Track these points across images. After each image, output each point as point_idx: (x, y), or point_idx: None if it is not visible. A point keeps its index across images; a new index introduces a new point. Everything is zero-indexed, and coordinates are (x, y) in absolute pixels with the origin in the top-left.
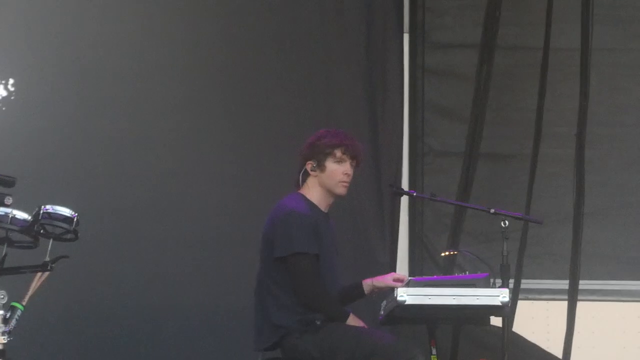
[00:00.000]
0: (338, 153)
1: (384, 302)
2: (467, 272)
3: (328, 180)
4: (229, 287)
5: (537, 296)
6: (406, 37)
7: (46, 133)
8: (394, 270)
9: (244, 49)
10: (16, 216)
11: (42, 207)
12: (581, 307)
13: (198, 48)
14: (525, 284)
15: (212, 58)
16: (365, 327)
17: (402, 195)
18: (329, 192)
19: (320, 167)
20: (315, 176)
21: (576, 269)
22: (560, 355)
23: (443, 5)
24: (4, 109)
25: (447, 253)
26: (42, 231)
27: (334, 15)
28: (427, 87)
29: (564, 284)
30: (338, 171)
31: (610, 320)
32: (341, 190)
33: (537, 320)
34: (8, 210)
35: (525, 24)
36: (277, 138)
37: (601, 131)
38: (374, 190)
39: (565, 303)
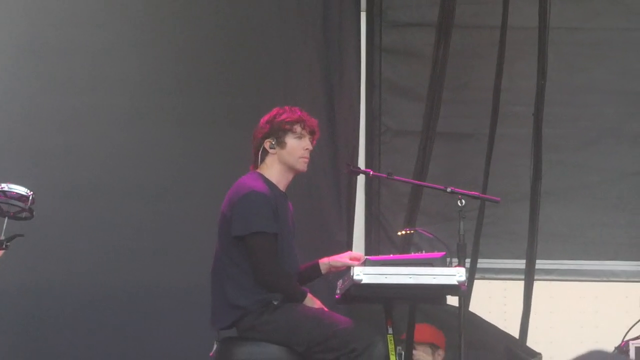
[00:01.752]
0: (298, 128)
1: (340, 281)
2: (424, 251)
3: (289, 156)
4: (185, 266)
5: (494, 276)
6: (363, 16)
7: (0, 111)
8: (351, 249)
9: (201, 27)
10: None
11: None
12: (538, 286)
13: (155, 25)
14: (482, 263)
15: (170, 36)
16: (323, 307)
17: (358, 174)
18: (289, 169)
19: (280, 143)
20: (275, 154)
21: (533, 249)
22: (517, 335)
23: None
24: None
25: (403, 232)
26: None
27: (294, 11)
28: (384, 66)
29: (521, 264)
30: (299, 147)
31: (567, 300)
32: (302, 166)
33: (494, 299)
34: None
35: (482, 3)
36: (234, 117)
37: (559, 111)
38: (331, 169)
39: (523, 283)
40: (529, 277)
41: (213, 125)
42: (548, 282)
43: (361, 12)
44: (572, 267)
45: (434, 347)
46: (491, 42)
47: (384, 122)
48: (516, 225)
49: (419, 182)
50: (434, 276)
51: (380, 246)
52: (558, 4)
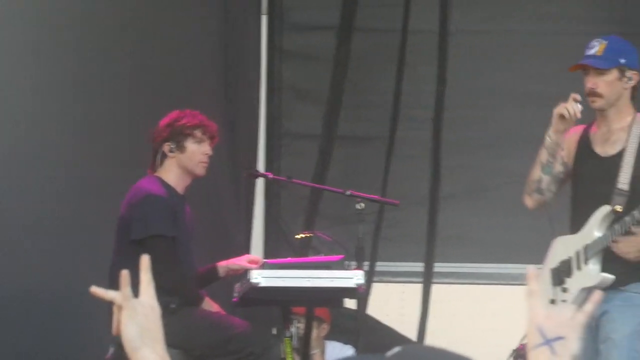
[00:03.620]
0: (198, 133)
1: (238, 285)
2: (322, 255)
3: (188, 161)
4: (83, 269)
5: (392, 279)
6: (264, 19)
7: None
8: (249, 252)
9: (99, 28)
10: None
11: None
12: (436, 290)
13: (52, 25)
14: (381, 266)
15: (66, 37)
16: (220, 310)
17: (257, 178)
18: (188, 173)
19: (180, 148)
20: (174, 157)
21: (431, 252)
22: (414, 338)
23: None
24: None
25: (302, 235)
26: None
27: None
28: (284, 69)
29: (419, 267)
30: (198, 151)
31: (464, 303)
32: (201, 170)
33: (392, 303)
34: None
35: (383, 6)
36: (132, 119)
37: (459, 114)
38: (230, 172)
39: (421, 286)
40: (426, 280)
41: (110, 127)
42: (446, 285)
43: (262, 15)
44: (470, 270)
45: (319, 320)
46: (392, 45)
47: (283, 125)
48: (415, 229)
49: (317, 185)
50: (332, 279)
51: (279, 249)
52: (459, 7)
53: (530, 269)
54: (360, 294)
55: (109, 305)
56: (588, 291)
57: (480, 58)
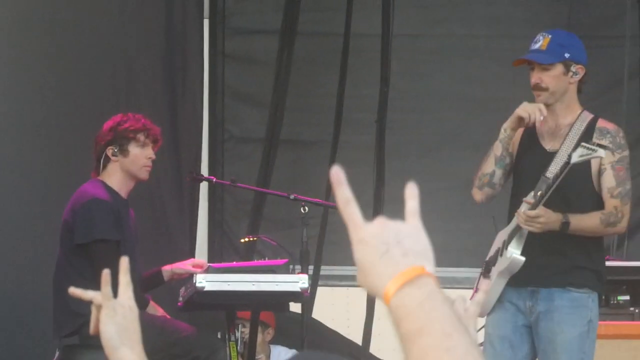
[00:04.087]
0: (141, 137)
1: (183, 289)
2: (267, 259)
3: (131, 165)
4: (27, 274)
5: (338, 282)
6: (206, 23)
7: None
8: (194, 257)
9: (42, 32)
10: None
11: None
12: None
13: None
14: (326, 270)
15: (7, 40)
16: (165, 314)
17: (201, 182)
18: (131, 177)
19: (123, 152)
20: (117, 161)
21: None
22: (360, 342)
23: None
24: None
25: (246, 239)
26: None
27: (130, 5)
28: (227, 73)
29: None
30: (141, 155)
31: None
32: (144, 174)
33: (338, 306)
34: None
35: (325, 10)
36: (76, 123)
37: (402, 117)
38: (174, 176)
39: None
40: None
41: (53, 131)
42: None
43: (204, 19)
44: None
45: (263, 325)
46: (335, 49)
47: (227, 129)
48: None
49: (261, 189)
50: (277, 283)
51: (224, 254)
52: (401, 11)
53: (334, 170)
54: (305, 298)
55: (52, 309)
56: (504, 274)
57: (421, 61)
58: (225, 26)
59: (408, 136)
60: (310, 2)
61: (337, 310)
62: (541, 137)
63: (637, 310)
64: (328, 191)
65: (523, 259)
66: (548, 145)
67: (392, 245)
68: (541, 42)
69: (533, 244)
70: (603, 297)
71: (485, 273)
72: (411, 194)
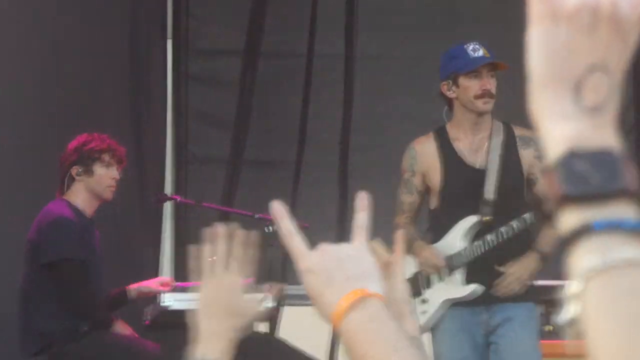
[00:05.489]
0: (106, 157)
1: (149, 307)
2: None
3: (96, 185)
4: None
5: (303, 302)
6: (169, 43)
7: None
8: (158, 275)
9: (6, 52)
10: None
11: None
12: None
13: None
14: (292, 289)
15: None
16: (133, 333)
17: (165, 201)
18: (96, 196)
19: (88, 172)
20: (81, 181)
21: None
22: None
23: (206, 11)
24: None
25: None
26: None
27: (98, 19)
28: (190, 94)
29: None
30: (106, 176)
31: None
32: (108, 194)
33: (303, 325)
34: None
35: (289, 31)
36: (40, 143)
37: (365, 139)
38: (138, 196)
39: None
40: None
41: (17, 150)
42: None
43: (168, 39)
44: None
45: None
46: (298, 70)
47: (190, 150)
48: None
49: (227, 209)
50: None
51: (189, 272)
52: (365, 32)
53: (274, 205)
54: (270, 316)
55: (18, 329)
56: (452, 302)
57: (384, 82)
58: (188, 47)
59: (372, 157)
60: (274, 22)
61: (303, 329)
62: (463, 154)
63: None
64: (292, 211)
65: (483, 288)
66: (472, 162)
67: (334, 271)
68: (481, 49)
69: (481, 265)
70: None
71: (415, 294)
72: (361, 205)
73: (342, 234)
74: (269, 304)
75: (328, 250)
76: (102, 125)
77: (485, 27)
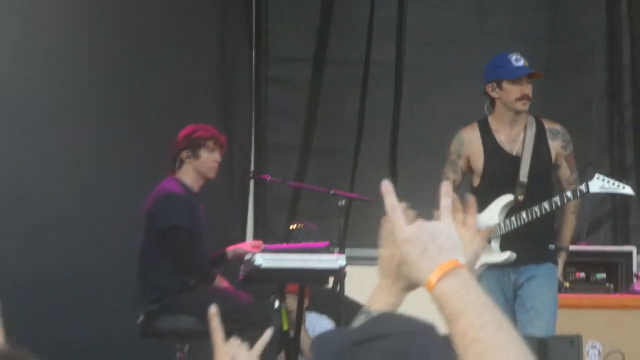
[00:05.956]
0: (210, 144)
1: (243, 266)
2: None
3: (201, 166)
4: (115, 256)
5: (365, 262)
6: (253, 53)
7: None
8: (245, 240)
9: (119, 54)
10: None
11: None
12: None
13: (73, 51)
14: (355, 252)
15: (88, 57)
16: (230, 286)
17: (258, 180)
18: (201, 176)
19: (195, 155)
20: (190, 163)
21: None
22: None
23: (282, 27)
24: None
25: (294, 226)
26: None
27: (191, 38)
28: (269, 94)
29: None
30: (210, 159)
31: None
32: (212, 174)
33: (367, 284)
34: None
35: (349, 42)
36: (153, 133)
37: (411, 132)
38: (229, 177)
39: None
40: None
41: (131, 140)
42: None
43: (252, 50)
44: None
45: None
46: (357, 74)
47: (269, 139)
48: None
49: (308, 186)
50: (320, 261)
51: (266, 241)
52: (412, 44)
53: (384, 183)
54: (342, 274)
55: (138, 284)
56: (488, 265)
57: (428, 86)
58: (268, 56)
59: (416, 147)
60: (337, 35)
61: (366, 287)
62: (502, 143)
63: (611, 286)
64: (351, 188)
65: (515, 255)
66: (509, 149)
67: (429, 243)
68: (522, 60)
69: (513, 236)
70: (584, 275)
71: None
72: (445, 192)
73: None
74: (342, 263)
75: (423, 226)
76: (198, 119)
77: (506, 44)
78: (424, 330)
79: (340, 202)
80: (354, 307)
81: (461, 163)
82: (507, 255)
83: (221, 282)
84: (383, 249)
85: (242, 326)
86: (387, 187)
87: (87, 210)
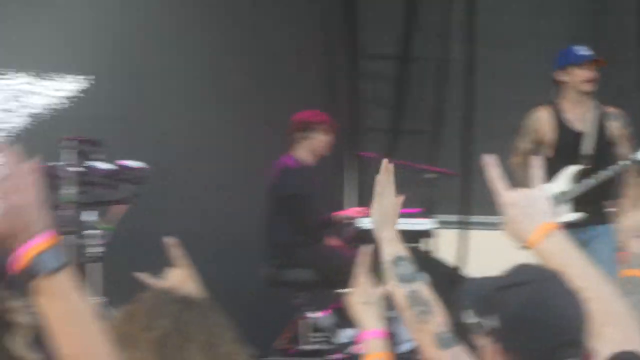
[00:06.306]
0: (323, 127)
1: (349, 228)
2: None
3: (316, 146)
4: (244, 219)
5: (452, 227)
6: (349, 51)
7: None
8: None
9: (238, 53)
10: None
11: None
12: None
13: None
14: (445, 217)
15: (219, 59)
16: (340, 245)
17: (363, 158)
18: (315, 154)
19: (311, 137)
20: (305, 142)
21: (466, 207)
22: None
23: (373, 28)
24: None
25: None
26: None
27: (302, 40)
28: (362, 85)
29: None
30: (324, 140)
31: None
32: (325, 152)
33: (452, 245)
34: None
35: (428, 42)
36: (270, 116)
37: (481, 116)
38: (335, 155)
39: (476, 232)
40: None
41: (253, 126)
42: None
43: (348, 48)
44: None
45: None
46: (432, 68)
47: (366, 124)
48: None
49: (405, 162)
50: (414, 224)
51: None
52: (483, 42)
53: (486, 157)
54: (432, 235)
55: (265, 242)
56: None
57: (497, 79)
58: (362, 53)
59: (486, 129)
60: (418, 36)
61: (453, 248)
62: (570, 122)
63: None
64: (433, 162)
65: (585, 215)
66: (577, 127)
67: (530, 207)
68: (587, 50)
69: (582, 199)
70: None
71: None
72: (536, 165)
73: (464, 179)
74: (432, 226)
75: (522, 192)
76: (310, 107)
77: (549, 43)
78: (554, 278)
79: (426, 175)
80: (439, 264)
81: (532, 136)
82: (579, 215)
83: (331, 241)
84: (378, 205)
85: (347, 277)
86: (489, 160)
87: (230, 181)
